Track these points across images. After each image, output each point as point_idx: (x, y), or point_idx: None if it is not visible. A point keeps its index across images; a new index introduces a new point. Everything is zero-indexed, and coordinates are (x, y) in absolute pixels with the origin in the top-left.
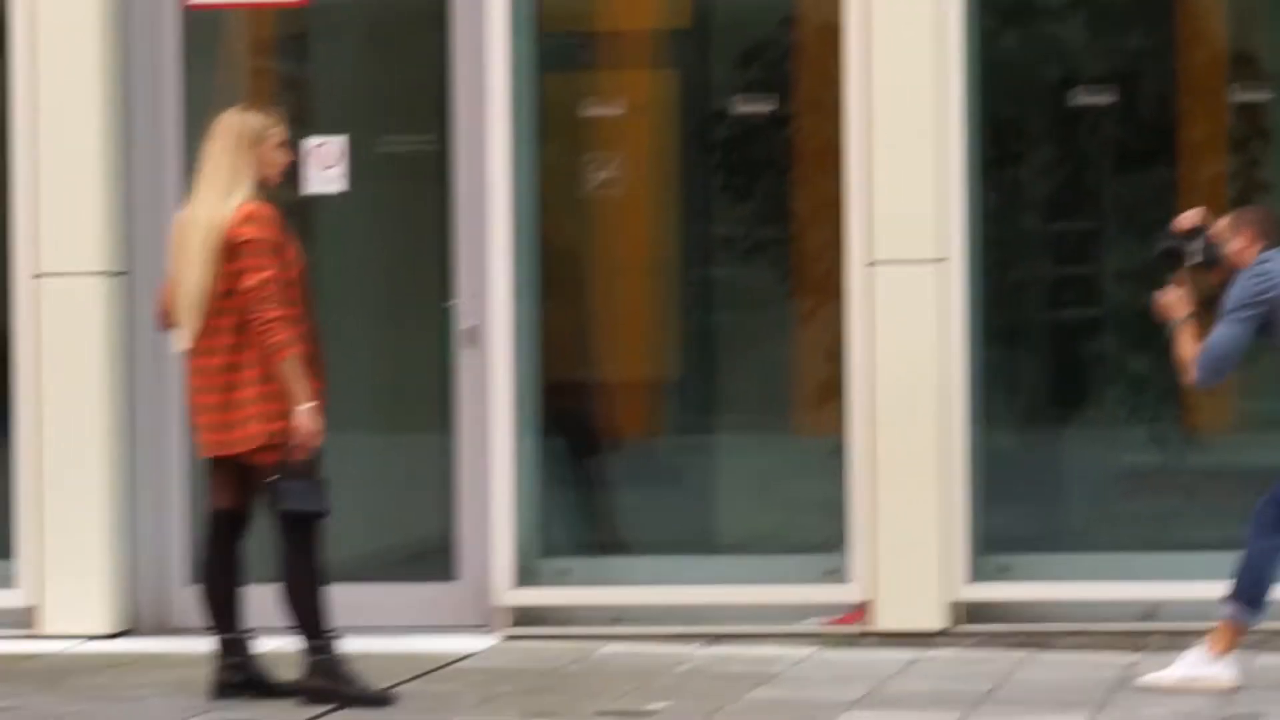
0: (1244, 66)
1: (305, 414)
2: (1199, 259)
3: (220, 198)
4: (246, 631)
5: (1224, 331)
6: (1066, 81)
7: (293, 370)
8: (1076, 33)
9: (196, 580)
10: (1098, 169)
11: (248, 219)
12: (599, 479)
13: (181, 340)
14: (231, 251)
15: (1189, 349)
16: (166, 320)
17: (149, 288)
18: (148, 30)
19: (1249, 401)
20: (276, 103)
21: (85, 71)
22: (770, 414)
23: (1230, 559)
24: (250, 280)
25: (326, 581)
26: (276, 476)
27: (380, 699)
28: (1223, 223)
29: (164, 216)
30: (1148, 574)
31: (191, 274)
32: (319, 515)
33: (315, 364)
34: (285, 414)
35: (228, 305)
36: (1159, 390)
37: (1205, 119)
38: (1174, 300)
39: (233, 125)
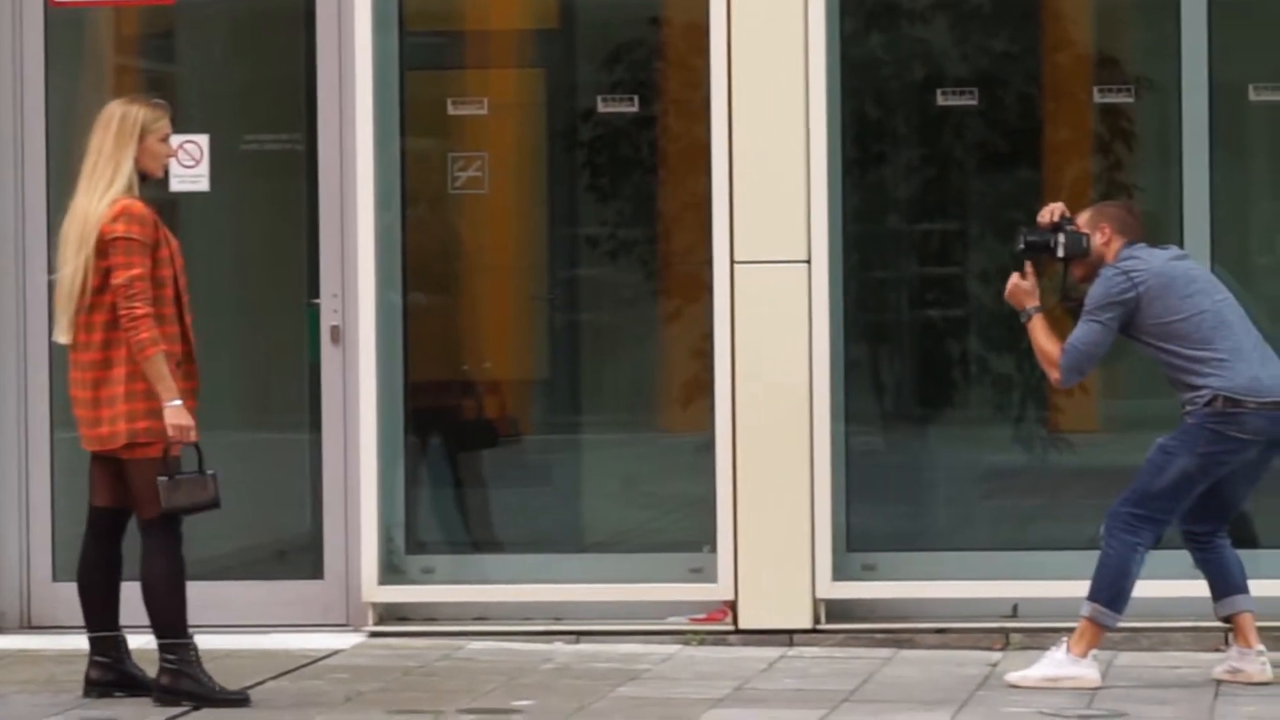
0: (1107, 69)
1: (173, 411)
2: (1063, 252)
3: (99, 192)
4: (119, 630)
5: (1086, 330)
6: (930, 83)
7: (157, 368)
8: (940, 35)
9: (78, 578)
10: (961, 170)
11: (120, 215)
12: (466, 477)
13: (60, 334)
14: (104, 248)
15: (1046, 343)
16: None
17: (8, 285)
18: (10, 27)
19: (1111, 401)
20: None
21: None
22: (637, 412)
23: (1092, 558)
24: (119, 277)
25: (185, 581)
26: (162, 476)
27: (237, 699)
28: (1082, 217)
29: (25, 216)
30: (1011, 573)
31: (67, 268)
32: (211, 508)
33: (189, 362)
34: (151, 413)
35: (101, 301)
36: (1022, 390)
37: (1069, 121)
38: (1024, 287)
39: (117, 115)
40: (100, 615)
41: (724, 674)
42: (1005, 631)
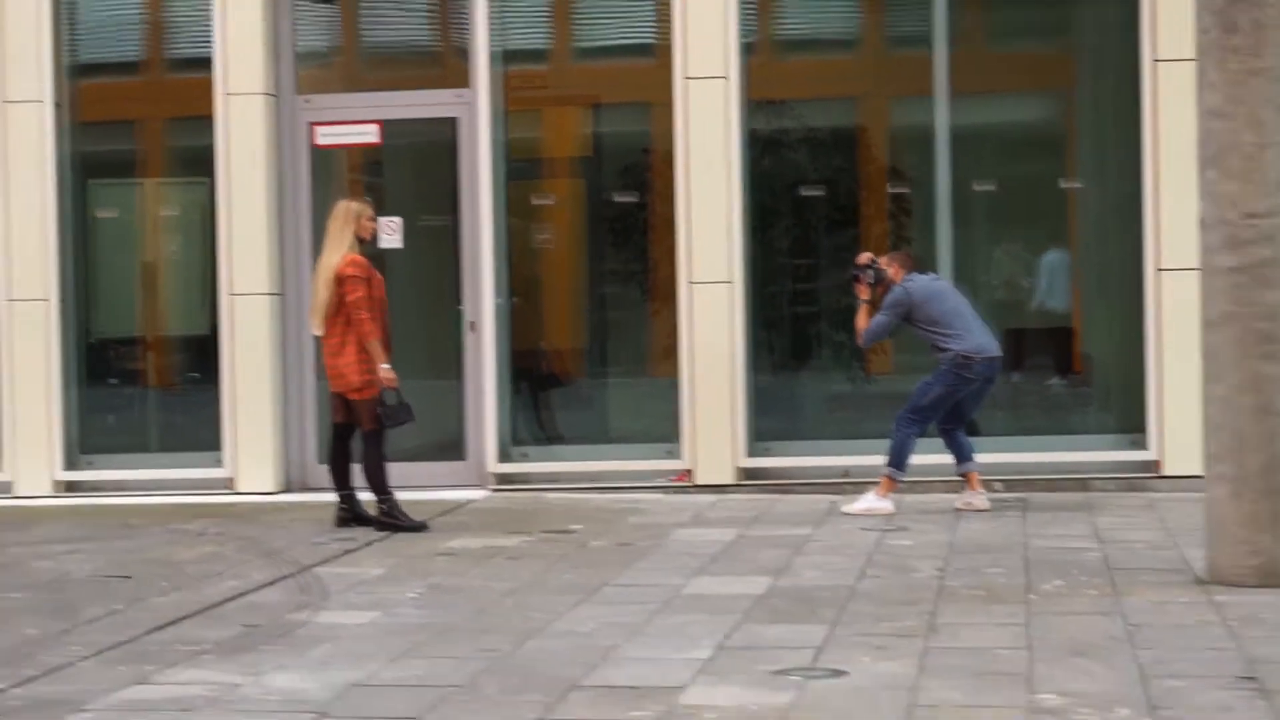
0: (896, 173)
1: (385, 370)
2: (871, 280)
3: (336, 251)
4: (353, 489)
5: (880, 319)
6: (797, 182)
7: (375, 346)
8: (802, 157)
9: (326, 461)
10: (816, 231)
11: (349, 263)
12: (544, 403)
13: (315, 329)
14: (340, 280)
15: (861, 320)
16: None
17: (294, 302)
18: (292, 159)
19: (899, 355)
20: (366, 196)
21: (258, 183)
22: (638, 365)
23: (889, 442)
24: (350, 296)
25: (385, 463)
26: (382, 408)
27: (420, 526)
28: (883, 259)
29: (302, 262)
30: (845, 450)
31: (320, 294)
32: (410, 421)
33: (387, 344)
34: (368, 371)
35: (339, 310)
36: (850, 351)
37: (875, 203)
38: (863, 289)
39: (343, 207)
40: (341, 482)
41: (686, 509)
42: (841, 484)
